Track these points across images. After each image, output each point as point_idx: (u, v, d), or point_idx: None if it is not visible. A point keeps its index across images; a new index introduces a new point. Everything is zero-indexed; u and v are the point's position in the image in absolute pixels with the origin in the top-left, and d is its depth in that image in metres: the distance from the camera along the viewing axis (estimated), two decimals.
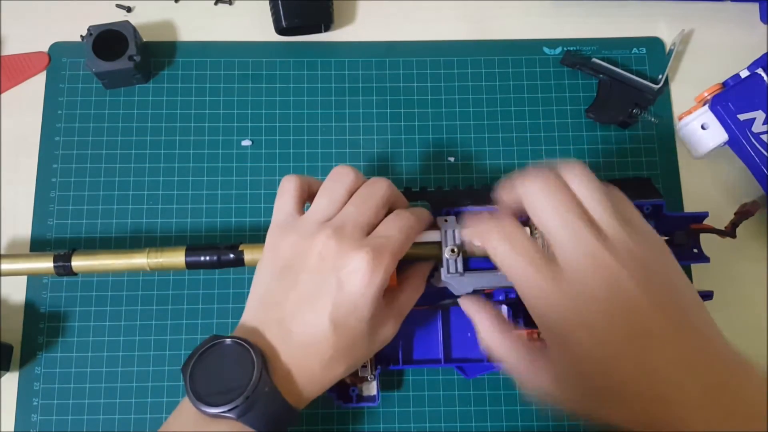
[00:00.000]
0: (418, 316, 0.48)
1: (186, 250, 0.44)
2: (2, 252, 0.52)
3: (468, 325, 0.48)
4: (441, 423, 0.49)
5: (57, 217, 0.52)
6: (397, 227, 0.39)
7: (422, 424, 0.49)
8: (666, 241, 0.42)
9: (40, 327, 0.50)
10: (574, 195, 0.35)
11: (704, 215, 0.46)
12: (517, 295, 0.37)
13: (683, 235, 0.45)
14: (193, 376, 0.36)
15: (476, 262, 0.42)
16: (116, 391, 0.49)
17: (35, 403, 0.49)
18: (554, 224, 0.34)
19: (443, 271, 0.41)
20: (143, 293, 0.51)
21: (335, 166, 0.42)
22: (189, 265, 0.44)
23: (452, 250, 0.41)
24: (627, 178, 0.52)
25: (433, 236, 0.42)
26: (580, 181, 0.36)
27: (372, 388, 0.47)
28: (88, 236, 0.52)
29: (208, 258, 0.44)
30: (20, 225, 0.52)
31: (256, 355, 0.36)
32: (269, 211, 0.52)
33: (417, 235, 0.41)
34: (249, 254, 0.44)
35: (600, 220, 0.34)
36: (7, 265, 0.46)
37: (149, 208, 0.53)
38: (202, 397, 0.35)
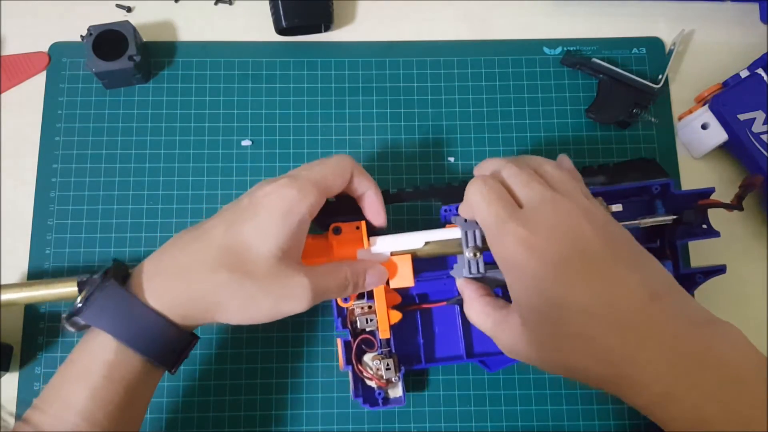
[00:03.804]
0: (437, 314, 0.48)
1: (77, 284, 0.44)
2: (2, 252, 0.52)
3: None
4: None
5: (57, 217, 0.52)
6: (319, 166, 0.41)
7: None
8: (675, 219, 0.45)
9: (40, 327, 0.50)
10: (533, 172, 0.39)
11: (711, 191, 0.46)
12: None
13: (692, 213, 0.45)
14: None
15: (489, 255, 0.42)
16: None
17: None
18: (518, 186, 0.38)
19: (464, 270, 0.42)
20: None
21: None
22: None
23: (474, 253, 0.41)
24: (632, 160, 0.52)
25: (454, 234, 0.43)
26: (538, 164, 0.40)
27: (398, 390, 0.46)
28: (88, 236, 0.52)
29: None
30: (20, 225, 0.52)
31: (112, 266, 0.39)
32: None
33: (336, 173, 0.41)
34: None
35: (554, 182, 0.38)
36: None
37: (149, 208, 0.53)
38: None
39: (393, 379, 0.45)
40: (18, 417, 0.49)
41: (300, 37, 0.57)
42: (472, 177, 0.52)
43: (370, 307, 0.45)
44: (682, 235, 0.46)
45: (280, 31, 0.56)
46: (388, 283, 0.44)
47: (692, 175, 0.54)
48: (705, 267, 0.46)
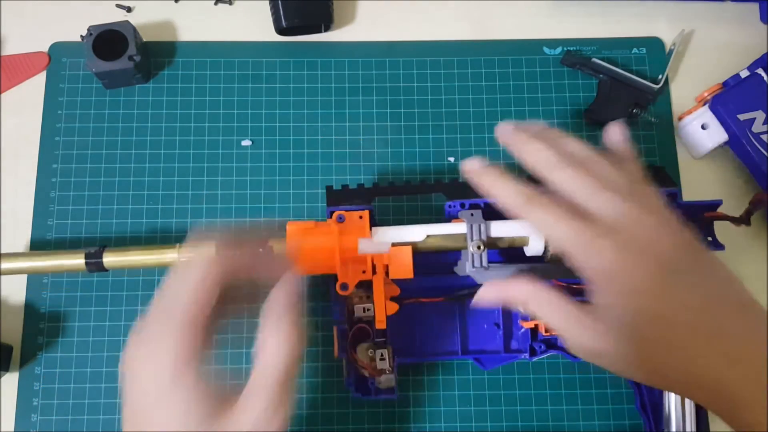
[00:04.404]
0: (435, 310, 0.48)
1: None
2: (3, 252, 0.52)
3: (484, 317, 0.48)
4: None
5: (57, 217, 0.52)
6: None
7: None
8: None
9: (40, 327, 0.50)
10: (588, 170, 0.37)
11: (718, 203, 0.46)
12: None
13: (697, 227, 0.45)
14: None
15: (493, 254, 0.43)
16: (116, 391, 0.49)
17: (35, 403, 0.49)
18: (584, 197, 0.37)
19: (467, 264, 0.43)
20: (143, 293, 0.51)
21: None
22: None
23: (479, 246, 0.42)
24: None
25: (457, 228, 0.43)
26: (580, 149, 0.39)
27: (391, 381, 0.45)
28: (88, 236, 0.52)
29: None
30: (20, 225, 0.52)
31: None
32: (269, 211, 0.53)
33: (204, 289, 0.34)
34: (278, 247, 0.43)
35: (618, 188, 0.37)
36: (36, 263, 0.47)
37: (149, 208, 0.53)
38: None
39: (387, 369, 0.45)
40: (18, 417, 0.49)
41: (300, 37, 0.57)
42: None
43: (368, 296, 0.44)
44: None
45: (280, 31, 0.56)
46: (387, 274, 0.44)
47: (692, 176, 0.54)
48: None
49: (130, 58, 0.52)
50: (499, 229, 0.43)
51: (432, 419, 0.49)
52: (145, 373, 0.33)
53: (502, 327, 0.48)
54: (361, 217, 0.44)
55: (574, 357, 0.40)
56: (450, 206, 0.46)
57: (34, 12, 0.57)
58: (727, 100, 0.51)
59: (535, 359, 0.48)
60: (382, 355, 0.44)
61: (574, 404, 0.50)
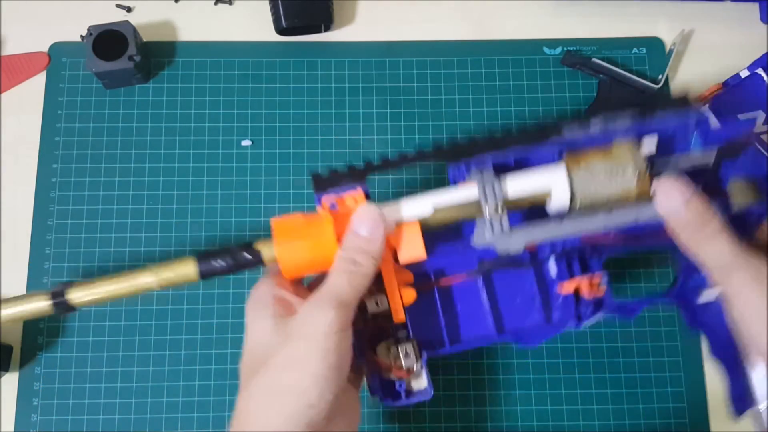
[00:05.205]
0: (457, 291, 0.42)
1: (197, 260, 0.37)
2: (2, 252, 0.52)
3: (516, 290, 0.42)
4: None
5: (57, 217, 0.52)
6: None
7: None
8: (719, 152, 0.39)
9: (40, 327, 0.50)
10: None
11: (750, 125, 0.41)
12: (566, 247, 0.37)
13: (735, 145, 0.39)
14: None
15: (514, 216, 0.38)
16: (116, 391, 0.49)
17: (35, 403, 0.49)
18: None
19: (486, 232, 0.37)
20: (143, 293, 0.51)
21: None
22: (203, 275, 0.37)
23: (496, 208, 0.37)
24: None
25: (466, 192, 0.38)
26: None
27: (422, 380, 0.40)
28: (88, 236, 0.52)
29: (223, 263, 0.37)
30: (20, 225, 0.52)
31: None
32: (269, 211, 0.53)
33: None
34: (267, 251, 0.37)
35: None
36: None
37: (149, 208, 0.53)
38: None
39: (414, 367, 0.39)
40: (18, 417, 0.49)
41: (300, 37, 0.57)
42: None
43: (379, 288, 0.38)
44: (733, 167, 0.39)
45: (280, 31, 0.56)
46: (396, 260, 0.38)
47: None
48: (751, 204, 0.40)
49: (130, 58, 0.52)
50: (516, 185, 0.38)
51: (432, 419, 0.49)
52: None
53: (538, 297, 0.42)
54: (356, 201, 0.38)
55: (624, 314, 0.38)
56: (454, 169, 0.40)
57: (34, 12, 0.57)
58: (727, 100, 0.51)
59: (582, 326, 0.42)
60: (406, 351, 0.39)
61: (574, 404, 0.50)
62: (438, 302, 0.42)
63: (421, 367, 0.39)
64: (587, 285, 0.41)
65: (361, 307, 0.38)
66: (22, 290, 0.51)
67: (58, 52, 0.56)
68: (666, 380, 0.50)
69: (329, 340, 0.33)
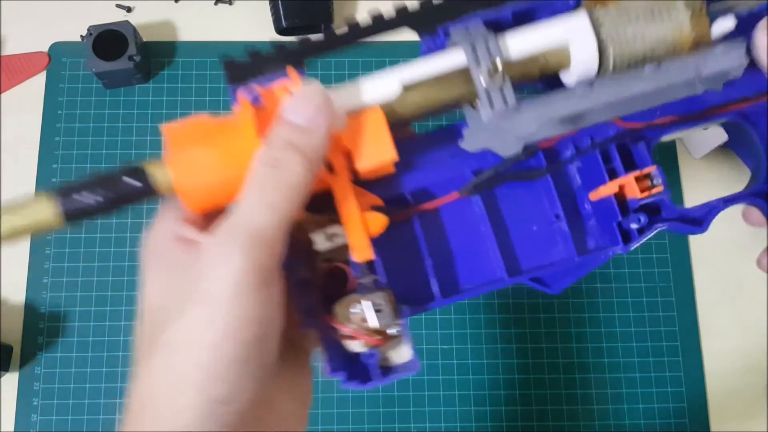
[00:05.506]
0: (448, 217, 0.30)
1: (56, 196, 0.24)
2: (2, 252, 0.52)
3: (531, 210, 0.30)
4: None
5: None
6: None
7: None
8: None
9: (40, 327, 0.50)
10: None
11: None
12: (596, 139, 0.27)
13: None
14: None
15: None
16: (116, 391, 0.49)
17: (35, 403, 0.49)
18: None
19: (483, 112, 0.26)
20: None
21: None
22: (69, 216, 0.24)
23: (489, 71, 0.26)
24: None
25: (450, 60, 0.27)
26: None
27: (403, 349, 0.27)
28: (88, 236, 0.52)
29: (96, 197, 0.24)
30: None
31: None
32: None
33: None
34: (161, 174, 0.24)
35: None
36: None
37: (149, 208, 0.53)
38: None
39: (390, 329, 0.26)
40: (18, 417, 0.49)
41: (300, 37, 0.57)
42: None
43: (332, 218, 0.26)
44: None
45: (280, 31, 0.56)
46: (356, 176, 0.26)
47: (692, 175, 0.54)
48: None
49: (130, 58, 0.52)
50: (518, 42, 0.27)
51: (432, 419, 0.49)
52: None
53: (564, 218, 0.30)
54: (290, 91, 0.26)
55: (688, 227, 0.29)
56: (429, 41, 0.29)
57: (34, 12, 0.57)
58: None
59: (633, 246, 0.30)
60: (377, 304, 0.26)
61: (574, 404, 0.50)
62: (420, 235, 0.29)
63: (401, 329, 0.26)
64: (633, 185, 0.29)
65: (305, 245, 0.26)
66: (23, 289, 0.51)
67: (58, 52, 0.56)
68: (666, 380, 0.50)
69: (240, 302, 0.22)
